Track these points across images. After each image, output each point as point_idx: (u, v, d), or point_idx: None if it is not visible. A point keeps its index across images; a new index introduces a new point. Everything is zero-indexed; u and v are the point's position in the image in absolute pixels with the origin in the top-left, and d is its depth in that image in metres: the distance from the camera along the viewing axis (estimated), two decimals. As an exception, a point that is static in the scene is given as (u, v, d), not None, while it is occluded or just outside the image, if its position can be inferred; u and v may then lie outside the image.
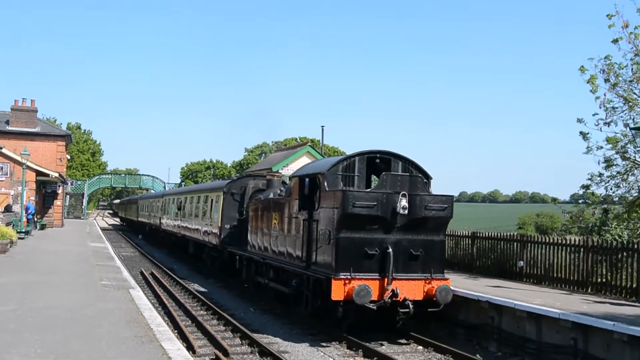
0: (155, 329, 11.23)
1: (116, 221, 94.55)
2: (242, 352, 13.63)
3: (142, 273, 26.51)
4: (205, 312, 18.35)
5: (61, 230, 45.27)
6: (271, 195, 20.29)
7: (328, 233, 14.64)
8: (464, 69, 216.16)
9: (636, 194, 21.52)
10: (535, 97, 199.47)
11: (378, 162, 16.15)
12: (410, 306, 14.41)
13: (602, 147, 22.79)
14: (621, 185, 22.81)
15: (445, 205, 15.16)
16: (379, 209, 14.36)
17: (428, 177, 16.03)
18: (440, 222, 15.41)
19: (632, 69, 21.95)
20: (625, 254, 16.83)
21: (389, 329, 15.61)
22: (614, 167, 22.90)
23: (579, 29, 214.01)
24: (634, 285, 16.32)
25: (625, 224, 23.57)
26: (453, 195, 15.50)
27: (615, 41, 22.05)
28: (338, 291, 13.89)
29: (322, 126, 49.58)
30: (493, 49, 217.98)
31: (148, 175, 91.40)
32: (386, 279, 14.35)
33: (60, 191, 50.35)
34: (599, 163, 22.85)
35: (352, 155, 16.02)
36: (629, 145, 21.85)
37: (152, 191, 73.45)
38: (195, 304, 19.74)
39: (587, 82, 22.31)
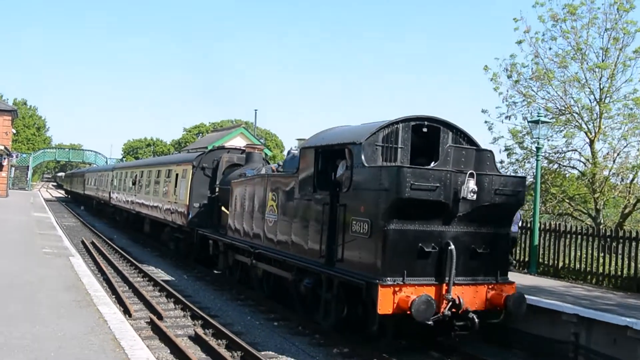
0: (93, 294, 10.95)
1: (60, 193, 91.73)
2: (176, 315, 13.47)
3: (83, 242, 25.78)
4: (142, 279, 18.01)
5: (5, 201, 43.48)
6: (263, 171, 15.99)
7: (369, 223, 10.04)
8: (386, 61, 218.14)
9: (531, 179, 22.29)
10: (446, 88, 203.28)
11: (425, 131, 11.37)
12: (476, 320, 10.16)
13: (503, 137, 23.64)
14: (518, 171, 23.69)
15: (519, 189, 10.90)
16: (442, 192, 9.91)
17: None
18: (510, 210, 11.12)
19: (532, 68, 22.72)
20: (521, 232, 17.44)
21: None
22: (513, 155, 23.80)
23: (485, 27, 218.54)
24: (526, 259, 16.94)
25: (521, 205, 24.42)
26: (525, 177, 11.24)
27: (519, 42, 22.77)
28: (386, 302, 9.61)
29: (256, 110, 49.30)
30: (413, 42, 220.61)
31: (91, 151, 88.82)
32: (445, 285, 10.03)
33: (5, 163, 48.31)
34: (500, 152, 23.69)
35: (394, 121, 11.10)
36: (526, 137, 22.67)
37: (95, 165, 71.22)
38: (132, 271, 19.35)
39: (491, 80, 23.02)
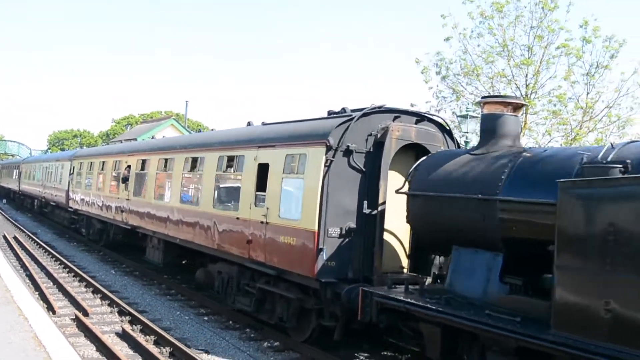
0: (13, 291, 10.61)
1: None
2: (102, 312, 13.16)
3: (4, 237, 24.81)
4: (67, 275, 17.51)
5: None
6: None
7: None
8: (315, 48, 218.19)
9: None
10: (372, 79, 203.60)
11: None
12: None
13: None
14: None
15: None
16: None
17: None
18: None
19: (460, 64, 23.32)
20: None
21: None
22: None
23: (413, 24, 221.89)
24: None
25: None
26: None
27: (447, 39, 23.31)
28: None
29: (187, 101, 48.65)
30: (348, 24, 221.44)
31: (14, 141, 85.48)
32: None
33: None
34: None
35: None
36: (454, 130, 23.22)
37: (18, 157, 68.43)
38: (57, 267, 18.77)
39: (422, 73, 23.53)
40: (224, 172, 13.26)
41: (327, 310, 10.06)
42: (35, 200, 36.18)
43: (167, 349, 10.36)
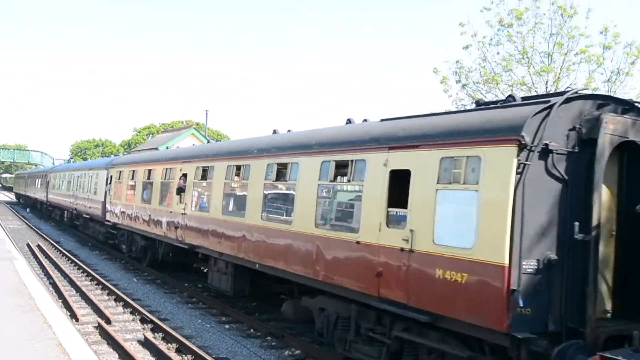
0: (37, 299, 10.66)
1: (6, 195, 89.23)
2: (124, 320, 13.21)
3: (28, 245, 25.04)
4: (90, 282, 17.61)
5: (-54, 203, 42.04)
6: None
7: None
8: (333, 58, 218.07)
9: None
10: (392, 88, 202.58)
11: None
12: None
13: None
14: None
15: None
16: None
17: None
18: None
19: (480, 72, 23.15)
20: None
21: None
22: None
23: (431, 31, 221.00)
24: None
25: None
26: None
27: (466, 47, 23.17)
28: None
29: (207, 110, 48.88)
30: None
31: (37, 151, 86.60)
32: None
33: (-54, 164, 46.44)
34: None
35: None
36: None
37: (42, 166, 69.08)
38: (80, 275, 18.89)
39: (441, 82, 23.42)
40: (330, 181, 10.35)
41: None
42: (65, 212, 33.48)
43: (189, 357, 10.35)
